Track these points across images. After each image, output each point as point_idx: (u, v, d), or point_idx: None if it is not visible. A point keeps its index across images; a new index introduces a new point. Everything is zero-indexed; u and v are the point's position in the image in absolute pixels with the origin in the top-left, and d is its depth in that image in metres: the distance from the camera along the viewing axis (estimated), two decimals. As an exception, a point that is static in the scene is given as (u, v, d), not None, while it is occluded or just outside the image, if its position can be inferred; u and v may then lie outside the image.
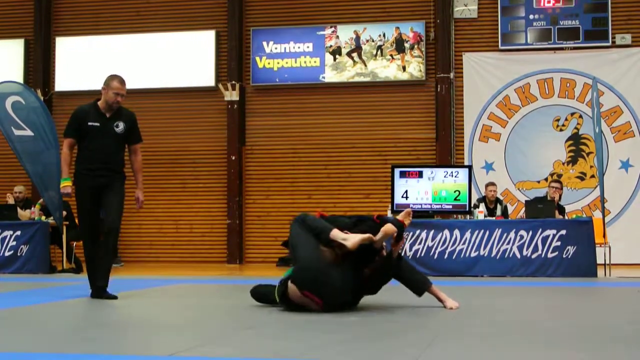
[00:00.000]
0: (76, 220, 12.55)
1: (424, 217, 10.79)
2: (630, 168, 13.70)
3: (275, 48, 14.71)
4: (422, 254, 10.48)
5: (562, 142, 13.99)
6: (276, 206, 14.53)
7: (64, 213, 11.72)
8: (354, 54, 14.52)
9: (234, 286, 9.13)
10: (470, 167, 11.58)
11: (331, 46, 14.54)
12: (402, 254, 6.51)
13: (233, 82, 14.74)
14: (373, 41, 14.45)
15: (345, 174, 14.43)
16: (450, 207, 10.90)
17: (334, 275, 5.57)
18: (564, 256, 10.27)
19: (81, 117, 6.98)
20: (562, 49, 13.99)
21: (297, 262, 5.76)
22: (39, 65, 15.45)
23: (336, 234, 5.63)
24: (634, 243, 13.30)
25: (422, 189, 10.86)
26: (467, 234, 10.47)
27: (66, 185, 6.98)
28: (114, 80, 6.99)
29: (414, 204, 10.73)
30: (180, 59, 14.95)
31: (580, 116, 13.91)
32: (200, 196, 14.91)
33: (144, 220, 14.90)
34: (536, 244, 10.35)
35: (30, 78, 15.40)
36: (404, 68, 14.34)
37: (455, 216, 11.49)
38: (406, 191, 10.81)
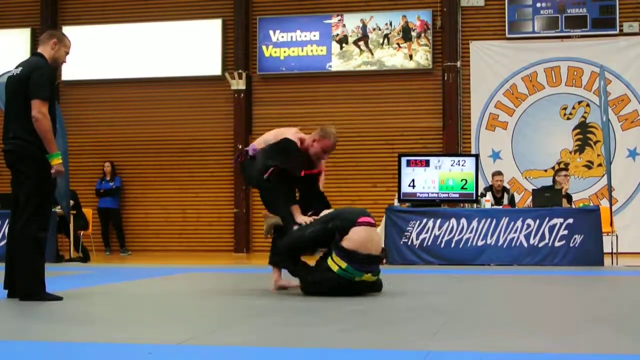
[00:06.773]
0: (82, 210, 12.64)
1: (430, 205, 10.80)
2: (637, 156, 13.67)
3: (282, 37, 14.69)
4: (429, 243, 10.49)
5: (569, 131, 13.96)
6: (283, 195, 14.51)
7: (71, 202, 11.74)
8: (361, 43, 14.49)
9: (241, 275, 9.16)
10: (477, 156, 11.57)
11: (338, 35, 14.51)
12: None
13: (240, 71, 14.73)
14: (380, 30, 14.42)
15: (352, 162, 14.41)
16: (457, 195, 10.90)
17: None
18: (571, 245, 10.27)
19: (53, 76, 5.87)
20: (569, 37, 13.94)
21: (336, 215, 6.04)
22: (46, 55, 15.42)
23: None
24: (641, 232, 13.28)
25: (429, 178, 10.86)
26: (474, 223, 10.47)
27: (60, 162, 5.82)
28: (65, 37, 5.94)
29: (420, 193, 10.75)
30: (186, 47, 14.95)
31: (588, 105, 13.87)
32: (207, 185, 14.92)
33: (151, 210, 14.93)
34: (543, 233, 10.35)
35: (37, 67, 15.36)
36: (410, 57, 14.30)
37: (462, 205, 11.49)
38: (413, 180, 10.82)
